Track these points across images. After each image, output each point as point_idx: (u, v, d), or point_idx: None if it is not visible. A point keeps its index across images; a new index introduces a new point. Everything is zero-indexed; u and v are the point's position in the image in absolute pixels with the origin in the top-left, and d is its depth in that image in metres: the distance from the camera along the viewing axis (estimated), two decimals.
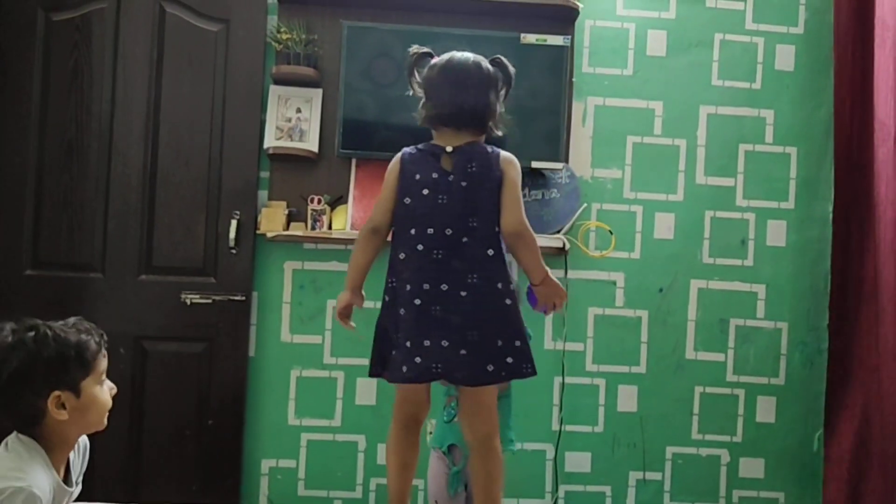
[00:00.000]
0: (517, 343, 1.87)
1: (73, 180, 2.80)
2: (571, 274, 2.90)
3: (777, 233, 3.02)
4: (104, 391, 1.63)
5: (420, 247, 1.85)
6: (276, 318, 2.89)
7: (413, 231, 1.86)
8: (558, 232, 2.85)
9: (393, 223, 1.92)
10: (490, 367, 1.85)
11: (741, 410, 2.99)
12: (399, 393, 1.98)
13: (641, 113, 3.00)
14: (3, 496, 1.42)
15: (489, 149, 1.94)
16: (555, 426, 2.94)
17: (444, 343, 1.82)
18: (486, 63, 1.98)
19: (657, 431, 2.95)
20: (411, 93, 2.02)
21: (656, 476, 2.97)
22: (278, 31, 2.80)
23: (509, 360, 1.87)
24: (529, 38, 2.77)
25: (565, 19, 2.89)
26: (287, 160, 2.83)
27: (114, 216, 2.81)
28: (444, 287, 1.83)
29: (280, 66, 2.80)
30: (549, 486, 2.95)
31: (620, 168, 2.99)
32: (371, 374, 1.95)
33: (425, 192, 1.88)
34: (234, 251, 2.81)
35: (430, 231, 1.85)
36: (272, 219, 2.78)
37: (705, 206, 3.00)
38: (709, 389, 2.99)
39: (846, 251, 2.87)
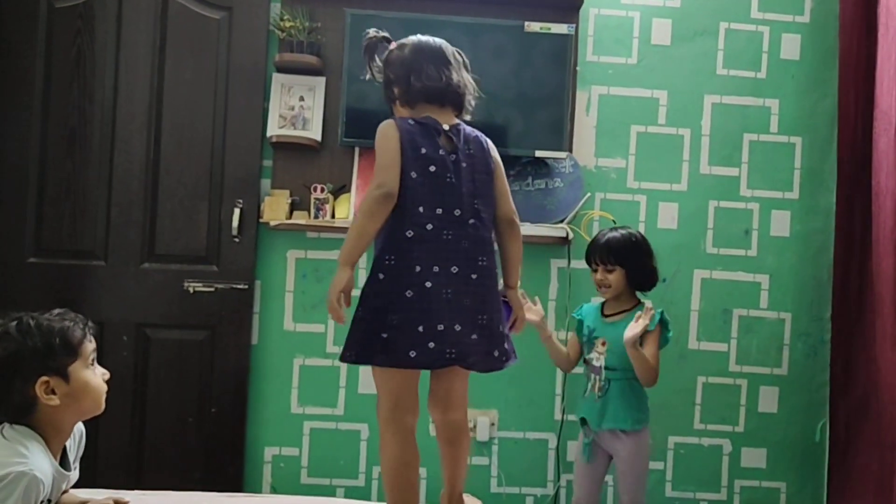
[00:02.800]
0: (505, 329, 1.91)
1: (75, 168, 2.80)
2: (574, 263, 2.89)
3: (781, 223, 3.01)
4: (95, 375, 1.63)
5: (430, 226, 1.79)
6: (278, 306, 2.89)
7: (421, 209, 1.79)
8: (562, 221, 2.84)
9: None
10: (496, 353, 1.85)
11: (743, 400, 2.99)
12: (391, 399, 1.84)
13: (646, 102, 2.98)
14: (6, 480, 1.43)
15: (476, 132, 1.95)
16: (557, 415, 2.94)
17: (458, 327, 1.78)
18: None
19: (659, 421, 2.94)
20: (367, 76, 2.00)
21: (658, 465, 2.97)
22: (281, 19, 2.78)
23: (506, 345, 1.89)
24: (533, 26, 2.76)
25: (570, 8, 2.87)
26: (290, 149, 2.83)
27: (116, 204, 2.81)
28: (455, 269, 1.79)
29: (283, 54, 2.79)
30: (551, 475, 2.96)
31: (624, 157, 2.98)
32: (349, 360, 1.80)
33: (433, 168, 1.81)
34: (236, 239, 2.81)
35: (440, 211, 1.80)
36: (275, 207, 2.77)
37: (709, 196, 2.99)
38: (711, 379, 2.99)
39: (849, 242, 2.86)
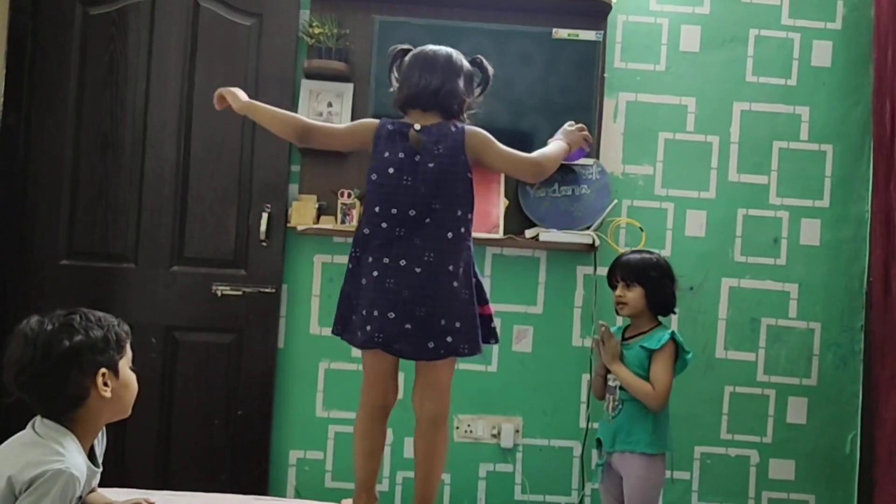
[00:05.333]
0: (457, 324, 1.94)
1: (107, 172, 2.85)
2: (601, 271, 2.87)
3: (811, 232, 2.97)
4: (132, 374, 1.66)
5: (384, 224, 1.94)
6: (305, 310, 2.91)
7: (377, 209, 1.95)
8: (588, 228, 2.83)
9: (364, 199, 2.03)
10: (431, 345, 1.93)
11: (772, 411, 2.96)
12: (366, 379, 2.06)
13: (674, 109, 2.97)
14: (43, 478, 1.44)
15: (453, 128, 1.99)
16: (582, 423, 2.93)
17: (391, 315, 1.91)
18: (458, 55, 2.05)
19: (686, 431, 2.92)
20: (392, 89, 2.09)
21: (684, 476, 2.95)
22: (310, 26, 2.81)
23: (449, 339, 1.94)
24: (561, 33, 2.76)
25: (598, 14, 2.86)
26: (318, 154, 2.85)
27: (147, 208, 2.85)
28: (403, 263, 1.92)
29: (312, 60, 2.82)
30: (575, 484, 2.94)
31: (652, 164, 2.97)
32: (333, 332, 2.06)
33: (391, 170, 1.95)
34: (264, 244, 2.84)
35: (394, 211, 1.94)
36: (302, 212, 2.79)
37: (738, 204, 2.97)
38: (739, 389, 2.95)
39: (881, 250, 2.81)
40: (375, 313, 1.91)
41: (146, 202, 2.85)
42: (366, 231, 1.96)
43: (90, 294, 2.79)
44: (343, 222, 2.79)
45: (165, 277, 2.84)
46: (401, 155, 1.94)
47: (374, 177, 1.97)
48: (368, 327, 1.92)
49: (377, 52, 2.74)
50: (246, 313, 2.84)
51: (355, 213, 2.79)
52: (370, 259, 1.93)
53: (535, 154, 2.07)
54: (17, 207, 2.83)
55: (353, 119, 2.83)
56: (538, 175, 2.08)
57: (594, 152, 2.79)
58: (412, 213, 1.92)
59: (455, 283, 1.94)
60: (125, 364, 1.63)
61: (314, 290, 2.91)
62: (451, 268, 1.93)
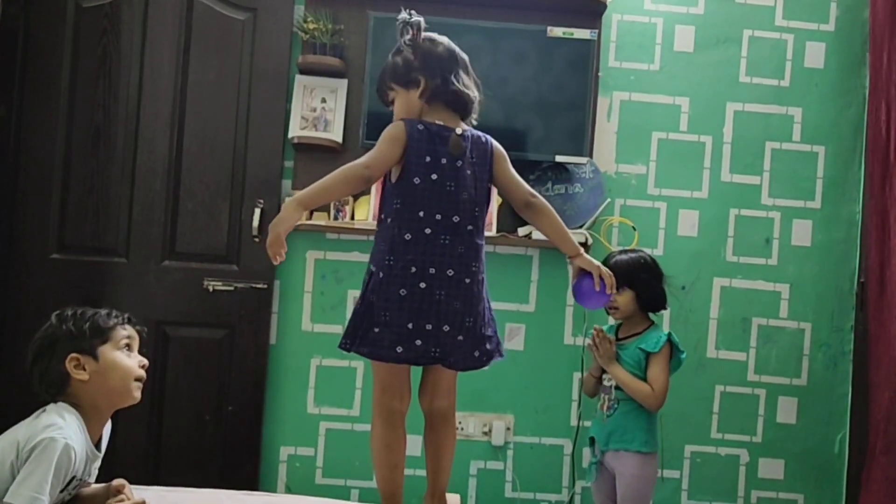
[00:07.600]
0: (490, 332, 1.97)
1: (99, 166, 2.83)
2: None
3: (802, 232, 2.98)
4: (125, 357, 1.77)
5: (428, 230, 1.87)
6: (297, 306, 2.91)
7: (421, 214, 1.87)
8: (581, 227, 2.83)
9: (398, 201, 1.89)
10: (476, 353, 1.94)
11: (762, 410, 2.97)
12: (379, 384, 1.96)
13: (667, 109, 2.97)
14: (39, 447, 1.56)
15: (481, 136, 1.98)
16: (573, 422, 2.94)
17: (446, 328, 1.87)
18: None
19: (676, 430, 2.93)
20: (397, 53, 1.99)
21: (674, 474, 2.96)
22: (305, 21, 2.80)
23: (488, 346, 1.95)
24: (556, 31, 2.76)
25: (593, 13, 2.87)
26: (311, 150, 2.84)
27: (139, 202, 2.83)
28: (451, 273, 1.87)
29: (306, 55, 2.81)
30: (565, 482, 2.95)
31: (645, 164, 2.97)
32: (344, 348, 1.91)
33: (434, 176, 1.88)
34: (256, 239, 2.83)
35: (439, 217, 1.88)
36: None
37: (730, 204, 2.98)
38: (729, 389, 2.97)
39: (876, 251, 2.82)
40: (428, 327, 1.85)
41: (138, 196, 2.83)
42: (407, 237, 1.86)
43: (81, 288, 2.78)
44: (336, 218, 2.78)
45: (157, 272, 2.83)
46: (443, 161, 1.88)
47: (416, 180, 1.86)
48: (419, 342, 1.85)
49: (372, 48, 2.73)
50: (238, 309, 2.83)
51: (348, 209, 2.79)
52: (413, 269, 1.84)
53: (536, 194, 2.02)
54: (8, 201, 2.81)
55: (346, 115, 2.83)
56: (528, 206, 1.97)
57: (588, 151, 2.80)
58: (456, 219, 1.88)
59: (485, 291, 1.95)
60: (109, 348, 1.74)
61: (306, 286, 2.91)
62: (483, 276, 1.94)
